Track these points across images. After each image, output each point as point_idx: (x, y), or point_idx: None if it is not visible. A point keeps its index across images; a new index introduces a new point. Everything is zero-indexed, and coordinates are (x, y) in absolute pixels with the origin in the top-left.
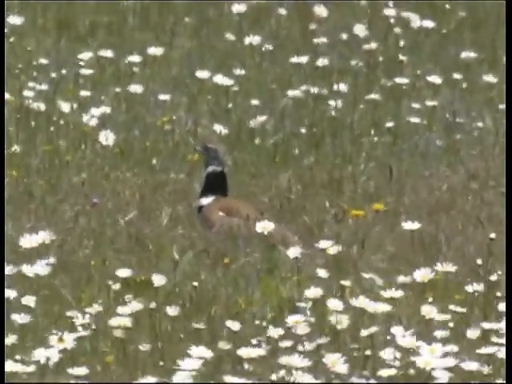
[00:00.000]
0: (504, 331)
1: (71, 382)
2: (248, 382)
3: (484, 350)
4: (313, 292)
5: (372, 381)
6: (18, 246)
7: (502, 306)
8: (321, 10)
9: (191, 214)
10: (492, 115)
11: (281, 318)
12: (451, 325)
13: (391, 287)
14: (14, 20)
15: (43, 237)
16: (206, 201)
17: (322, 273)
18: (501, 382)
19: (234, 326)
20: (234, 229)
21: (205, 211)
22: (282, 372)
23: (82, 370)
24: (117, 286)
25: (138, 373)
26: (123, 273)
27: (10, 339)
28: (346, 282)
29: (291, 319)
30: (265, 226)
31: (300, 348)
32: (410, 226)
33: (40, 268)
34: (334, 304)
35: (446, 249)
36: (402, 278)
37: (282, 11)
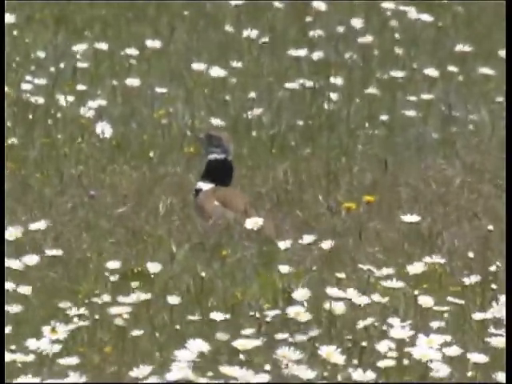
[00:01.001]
0: (503, 322)
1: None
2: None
3: (482, 341)
4: (308, 284)
5: (369, 372)
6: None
7: (498, 298)
8: (318, 4)
9: (188, 206)
10: (488, 108)
11: (277, 310)
12: (448, 316)
13: (387, 279)
14: (11, 15)
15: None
16: (203, 186)
17: (318, 265)
18: (501, 382)
19: (230, 317)
20: (228, 221)
21: (201, 197)
22: (278, 363)
23: (75, 360)
24: (114, 278)
25: (135, 363)
26: (120, 264)
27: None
28: (342, 274)
29: (287, 311)
30: (255, 222)
31: (295, 339)
32: (408, 218)
33: (34, 259)
34: (330, 292)
35: (442, 241)
36: (398, 270)
37: (279, 4)
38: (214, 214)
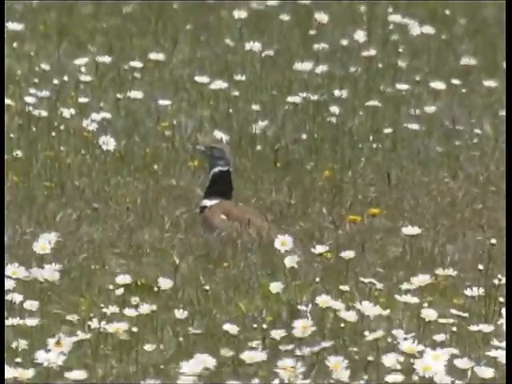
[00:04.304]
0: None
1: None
2: None
3: (485, 354)
4: (312, 296)
5: None
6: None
7: (502, 310)
8: (321, 17)
9: (192, 218)
10: (491, 121)
11: (281, 322)
12: (452, 329)
13: (390, 291)
14: (14, 26)
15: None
16: (209, 202)
17: (322, 277)
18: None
19: (233, 329)
20: (234, 233)
21: (207, 213)
22: (283, 376)
23: (81, 374)
24: (117, 291)
25: (140, 376)
26: (124, 277)
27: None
28: (345, 287)
29: (291, 323)
30: (284, 241)
31: (301, 352)
32: (412, 231)
33: (47, 273)
34: (336, 305)
35: (446, 253)
36: (401, 283)
37: (282, 17)
38: (221, 227)
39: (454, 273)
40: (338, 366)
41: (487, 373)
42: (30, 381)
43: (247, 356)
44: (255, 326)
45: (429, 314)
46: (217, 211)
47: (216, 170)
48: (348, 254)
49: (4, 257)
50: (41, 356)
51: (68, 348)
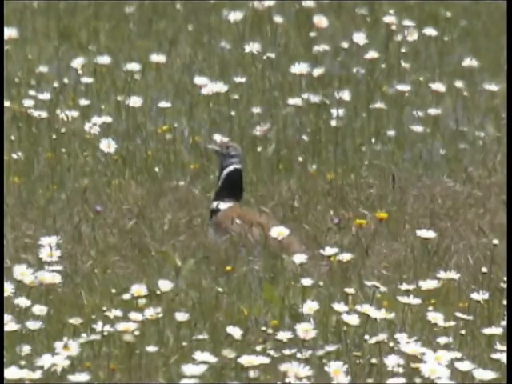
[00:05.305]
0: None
1: None
2: None
3: (489, 357)
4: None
5: None
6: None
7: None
8: (321, 19)
9: (193, 221)
10: (495, 123)
11: (283, 326)
12: (455, 332)
13: (393, 294)
14: (14, 28)
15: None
16: (222, 206)
17: (326, 280)
18: None
19: (236, 333)
20: (247, 236)
21: (221, 217)
22: (285, 380)
23: (84, 377)
24: (119, 294)
25: (143, 378)
26: (126, 280)
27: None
28: (350, 290)
29: (294, 326)
30: (280, 231)
31: (303, 355)
32: (415, 233)
33: (48, 275)
34: (339, 308)
35: (450, 256)
36: (405, 286)
37: (284, 18)
38: (236, 231)
39: (457, 276)
40: (338, 371)
41: (490, 375)
42: (33, 381)
43: (249, 360)
44: (262, 329)
45: (434, 316)
46: (231, 215)
47: (231, 167)
48: (352, 257)
49: (3, 257)
50: (46, 359)
51: (76, 351)
